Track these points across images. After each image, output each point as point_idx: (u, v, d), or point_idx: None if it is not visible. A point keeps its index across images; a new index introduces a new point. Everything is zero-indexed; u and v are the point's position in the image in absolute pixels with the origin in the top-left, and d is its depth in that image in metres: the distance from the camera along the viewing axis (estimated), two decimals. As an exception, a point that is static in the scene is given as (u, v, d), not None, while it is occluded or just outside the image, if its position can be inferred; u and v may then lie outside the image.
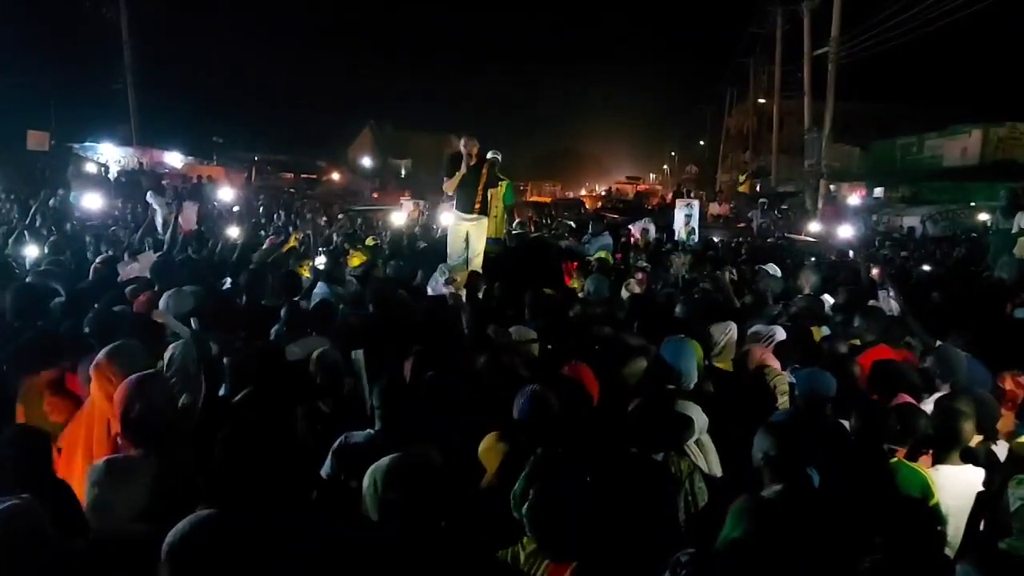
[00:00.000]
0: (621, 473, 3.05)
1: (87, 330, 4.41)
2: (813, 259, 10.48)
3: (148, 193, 11.10)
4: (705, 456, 3.51)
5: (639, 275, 7.80)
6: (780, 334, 5.23)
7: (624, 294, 7.15)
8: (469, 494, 3.01)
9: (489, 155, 8.69)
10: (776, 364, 4.54)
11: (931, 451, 3.45)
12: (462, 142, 8.17)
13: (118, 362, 3.42)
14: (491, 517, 2.70)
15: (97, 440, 3.34)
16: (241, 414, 3.49)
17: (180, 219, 8.33)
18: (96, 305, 5.10)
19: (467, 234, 8.29)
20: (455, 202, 8.40)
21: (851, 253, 11.62)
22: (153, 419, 3.00)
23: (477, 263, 8.28)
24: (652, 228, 13.57)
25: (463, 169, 8.01)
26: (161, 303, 5.04)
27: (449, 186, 8.18)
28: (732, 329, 5.25)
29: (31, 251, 7.86)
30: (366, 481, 2.65)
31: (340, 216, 13.92)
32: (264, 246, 9.29)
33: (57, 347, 3.90)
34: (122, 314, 4.80)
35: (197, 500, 2.50)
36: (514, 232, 10.41)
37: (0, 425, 3.18)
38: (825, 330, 5.84)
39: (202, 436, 3.29)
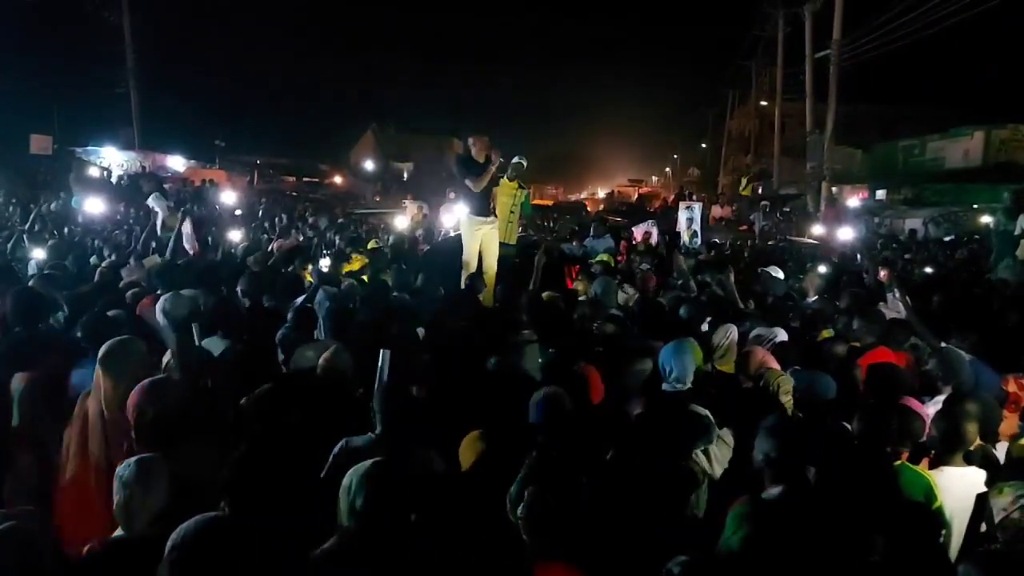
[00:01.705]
0: (635, 477, 3.04)
1: (80, 334, 4.42)
2: (818, 262, 10.45)
3: (151, 196, 11.08)
4: (711, 463, 3.48)
5: (650, 278, 7.77)
6: (781, 335, 5.21)
7: (622, 296, 7.12)
8: (444, 490, 2.99)
9: (515, 159, 8.66)
10: (777, 366, 4.53)
11: (932, 453, 3.44)
12: (472, 143, 8.01)
13: (121, 356, 3.45)
14: (462, 512, 2.69)
15: (91, 434, 3.35)
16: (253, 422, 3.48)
17: (186, 235, 8.35)
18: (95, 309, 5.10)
19: (481, 240, 8.15)
20: (469, 206, 8.14)
21: (858, 256, 11.58)
22: (167, 423, 3.02)
23: (492, 270, 8.17)
24: (655, 231, 13.57)
25: (491, 169, 7.85)
26: (157, 307, 5.04)
27: (478, 184, 7.82)
28: (733, 331, 5.24)
29: (37, 253, 7.86)
30: (344, 482, 2.63)
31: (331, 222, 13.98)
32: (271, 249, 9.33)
33: (46, 346, 3.91)
34: (116, 319, 4.79)
35: (206, 502, 2.51)
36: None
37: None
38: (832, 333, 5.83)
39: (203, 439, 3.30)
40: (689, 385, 4.13)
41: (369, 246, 11.11)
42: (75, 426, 3.44)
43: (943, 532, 2.96)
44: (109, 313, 4.93)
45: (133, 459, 2.73)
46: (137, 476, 2.63)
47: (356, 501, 2.50)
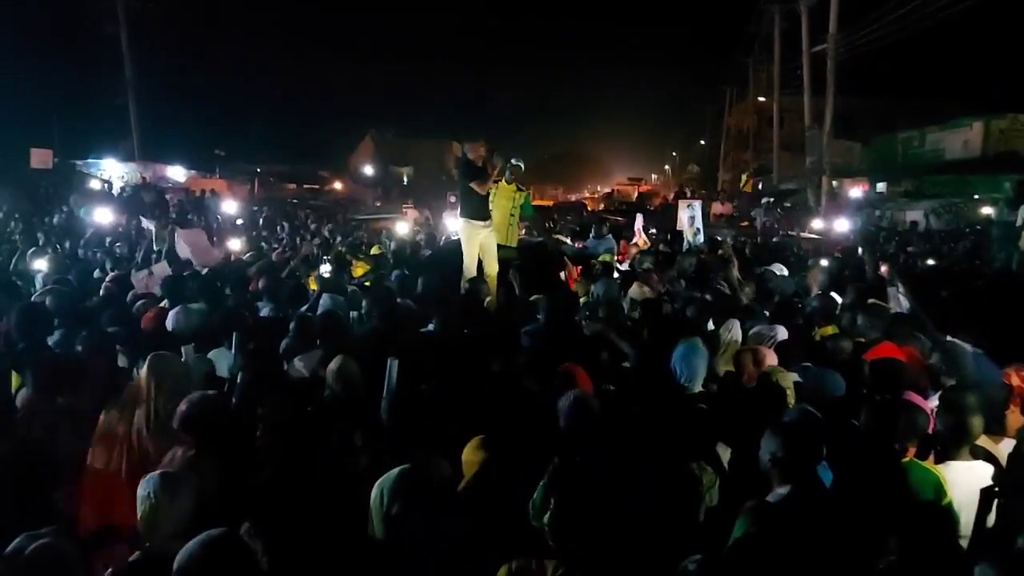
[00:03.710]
0: (649, 482, 3.05)
1: (79, 348, 4.44)
2: (820, 257, 10.44)
3: (141, 219, 11.29)
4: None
5: (653, 277, 7.76)
6: (782, 333, 5.21)
7: (629, 297, 7.11)
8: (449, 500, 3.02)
9: (513, 161, 8.68)
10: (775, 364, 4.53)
11: (937, 448, 3.44)
12: (468, 150, 8.10)
13: (158, 370, 3.49)
14: (465, 522, 2.70)
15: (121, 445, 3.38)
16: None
17: (182, 247, 8.43)
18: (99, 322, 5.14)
19: (480, 244, 8.20)
20: (468, 211, 8.17)
21: (859, 250, 11.57)
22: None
23: (493, 273, 8.20)
24: (641, 223, 13.62)
25: (492, 171, 8.01)
26: (169, 320, 5.07)
27: (483, 186, 8.00)
28: (735, 327, 5.23)
29: (41, 267, 7.89)
30: (374, 494, 2.67)
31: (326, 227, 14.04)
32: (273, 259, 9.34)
33: (76, 375, 3.93)
34: (114, 335, 4.80)
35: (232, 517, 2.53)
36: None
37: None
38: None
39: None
40: (699, 387, 4.14)
41: (372, 252, 11.12)
42: (99, 440, 3.46)
43: (954, 529, 2.96)
44: (110, 329, 4.96)
45: (157, 472, 2.76)
46: (163, 488, 2.66)
47: (391, 510, 2.52)
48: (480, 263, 8.15)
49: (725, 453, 3.58)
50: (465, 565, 2.51)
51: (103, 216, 13.47)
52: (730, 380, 4.75)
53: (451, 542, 2.52)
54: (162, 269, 7.46)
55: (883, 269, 7.14)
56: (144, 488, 2.68)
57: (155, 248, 9.40)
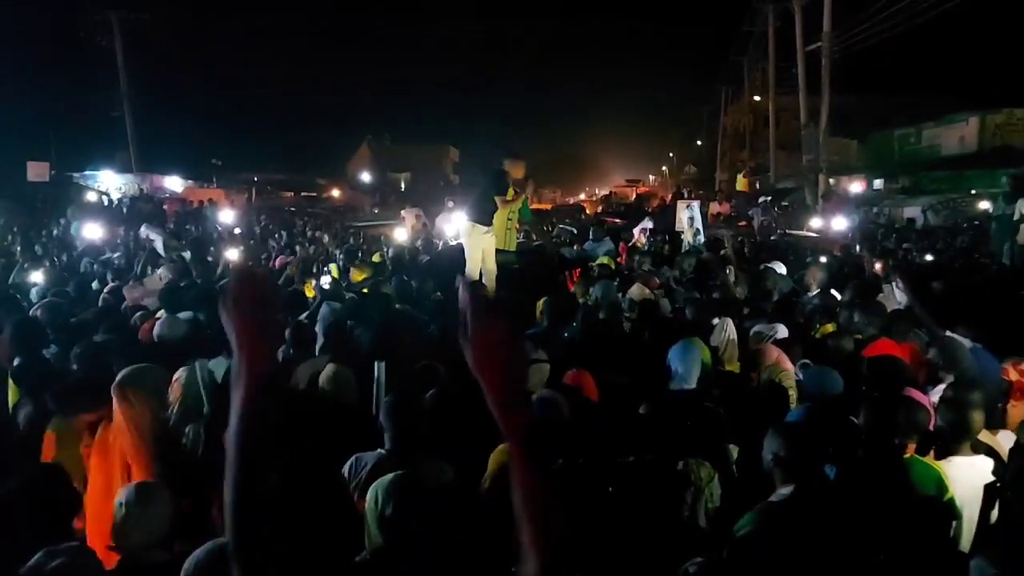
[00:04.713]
0: (640, 483, 3.04)
1: (74, 365, 4.41)
2: (820, 256, 10.44)
3: (142, 227, 11.24)
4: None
5: (653, 280, 7.76)
6: (781, 332, 5.20)
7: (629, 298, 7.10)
8: (471, 500, 3.01)
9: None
10: (789, 365, 4.53)
11: (938, 444, 3.43)
12: (509, 166, 8.27)
13: (139, 384, 3.45)
14: (486, 521, 2.69)
15: (119, 460, 3.36)
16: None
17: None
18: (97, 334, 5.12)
19: (483, 249, 8.26)
20: (478, 215, 8.27)
21: (857, 248, 11.58)
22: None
23: (492, 277, 8.26)
24: (649, 225, 13.60)
25: (520, 198, 8.31)
26: (155, 328, 5.06)
27: (506, 205, 8.28)
28: (729, 326, 5.22)
29: (37, 279, 7.89)
30: (369, 497, 2.67)
31: (321, 235, 14.06)
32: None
33: (100, 391, 3.92)
34: (107, 344, 4.79)
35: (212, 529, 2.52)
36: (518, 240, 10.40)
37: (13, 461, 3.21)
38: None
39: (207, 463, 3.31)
40: (694, 385, 4.14)
41: (374, 259, 11.11)
42: (95, 454, 3.45)
43: (955, 524, 2.95)
44: (97, 339, 4.93)
45: (133, 483, 2.77)
46: (136, 498, 2.66)
47: (384, 512, 2.52)
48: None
49: (733, 452, 3.57)
50: (468, 569, 2.50)
51: (92, 232, 13.50)
52: (732, 380, 4.75)
53: (452, 545, 2.51)
54: (153, 283, 7.47)
55: (877, 266, 7.13)
56: (119, 497, 2.69)
57: (163, 256, 9.41)
